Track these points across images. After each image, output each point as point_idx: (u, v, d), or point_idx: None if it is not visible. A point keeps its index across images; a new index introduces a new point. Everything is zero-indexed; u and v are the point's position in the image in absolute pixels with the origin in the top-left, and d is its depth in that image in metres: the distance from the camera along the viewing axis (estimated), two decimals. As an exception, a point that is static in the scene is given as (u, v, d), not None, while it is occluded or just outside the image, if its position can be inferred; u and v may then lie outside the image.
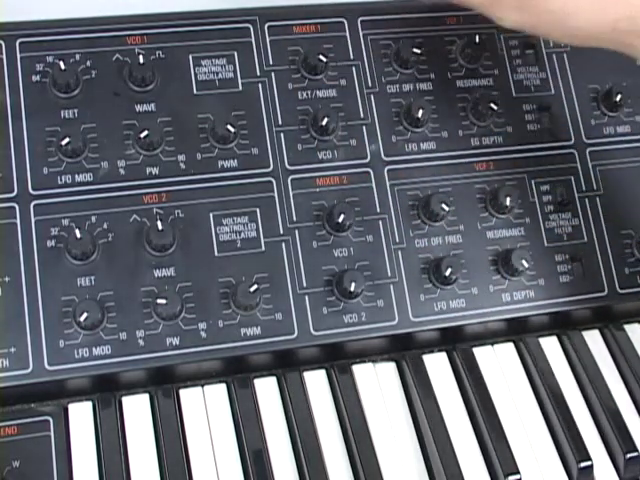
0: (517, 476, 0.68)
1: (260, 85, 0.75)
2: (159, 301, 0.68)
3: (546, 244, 0.77)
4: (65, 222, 0.69)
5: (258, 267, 0.71)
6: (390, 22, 0.79)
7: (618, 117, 0.81)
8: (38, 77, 0.72)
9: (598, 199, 0.78)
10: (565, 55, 0.81)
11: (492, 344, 0.77)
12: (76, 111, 0.72)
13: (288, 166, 0.74)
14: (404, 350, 0.75)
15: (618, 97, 0.79)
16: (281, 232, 0.73)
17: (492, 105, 0.76)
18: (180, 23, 0.75)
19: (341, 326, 0.72)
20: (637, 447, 0.70)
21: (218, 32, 0.76)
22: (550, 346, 0.77)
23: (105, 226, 0.70)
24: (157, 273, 0.70)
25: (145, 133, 0.71)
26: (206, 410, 0.70)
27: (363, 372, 0.74)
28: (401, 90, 0.78)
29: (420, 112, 0.75)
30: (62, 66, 0.71)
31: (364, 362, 0.74)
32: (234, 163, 0.73)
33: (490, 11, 0.68)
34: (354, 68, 0.77)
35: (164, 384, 0.70)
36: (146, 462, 0.67)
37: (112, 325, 0.68)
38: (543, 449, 0.71)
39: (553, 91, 0.80)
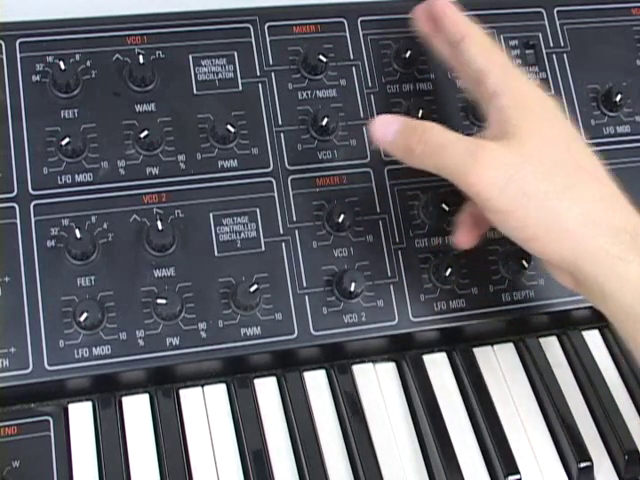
0: (517, 476, 0.68)
1: (260, 85, 0.75)
2: (159, 301, 0.68)
3: (546, 244, 0.77)
4: (65, 222, 0.69)
5: (258, 267, 0.71)
6: (390, 22, 0.79)
7: (618, 117, 0.80)
8: (38, 77, 0.72)
9: (598, 199, 0.78)
10: (565, 55, 0.81)
11: (492, 344, 0.77)
12: (76, 111, 0.72)
13: (288, 166, 0.74)
14: (404, 350, 0.75)
15: (618, 97, 0.79)
16: (281, 232, 0.73)
17: (492, 105, 0.76)
18: (180, 23, 0.75)
19: (341, 326, 0.72)
20: (637, 447, 0.70)
21: (218, 32, 0.76)
22: (550, 346, 0.77)
23: (105, 226, 0.70)
24: (157, 273, 0.70)
25: (145, 133, 0.71)
26: (206, 410, 0.70)
27: (363, 372, 0.74)
28: (401, 90, 0.78)
29: (420, 112, 0.75)
30: (62, 66, 0.71)
31: (364, 362, 0.74)
32: (234, 163, 0.73)
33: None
34: (354, 68, 0.77)
35: (164, 384, 0.70)
36: (146, 462, 0.67)
37: (112, 325, 0.68)
38: (543, 449, 0.71)
39: (553, 91, 0.80)
